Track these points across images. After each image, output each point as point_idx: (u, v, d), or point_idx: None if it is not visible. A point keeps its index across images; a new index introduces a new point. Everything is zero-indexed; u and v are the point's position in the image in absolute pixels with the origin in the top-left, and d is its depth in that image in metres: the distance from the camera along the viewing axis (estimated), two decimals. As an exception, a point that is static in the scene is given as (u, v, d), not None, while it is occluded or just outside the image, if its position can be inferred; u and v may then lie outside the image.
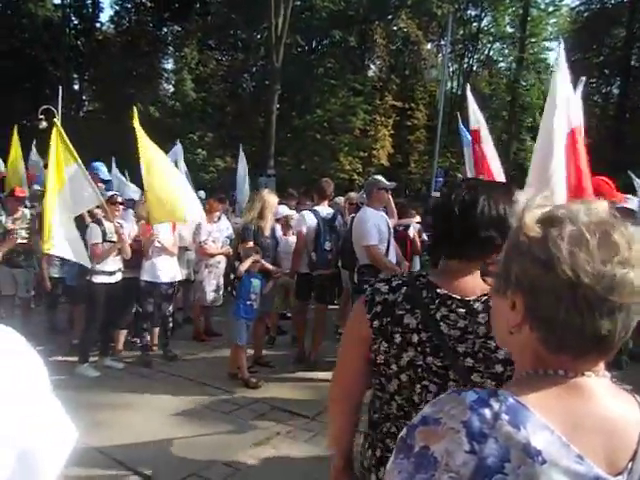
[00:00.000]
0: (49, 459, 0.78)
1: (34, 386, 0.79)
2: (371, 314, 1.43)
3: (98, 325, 5.36)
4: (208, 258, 6.57)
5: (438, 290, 1.41)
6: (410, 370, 1.38)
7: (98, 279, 5.26)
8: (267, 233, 5.48)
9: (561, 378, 0.83)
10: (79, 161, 5.26)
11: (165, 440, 3.96)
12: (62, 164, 5.20)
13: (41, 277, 6.16)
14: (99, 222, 5.44)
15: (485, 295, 1.39)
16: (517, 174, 34.46)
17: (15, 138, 9.01)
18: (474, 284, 1.41)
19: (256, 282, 5.23)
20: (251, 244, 5.28)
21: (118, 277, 5.44)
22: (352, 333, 1.54)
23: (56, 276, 6.34)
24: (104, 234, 5.33)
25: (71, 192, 5.19)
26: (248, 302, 5.17)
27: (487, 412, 0.78)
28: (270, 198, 5.46)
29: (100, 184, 6.43)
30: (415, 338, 1.37)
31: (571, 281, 0.78)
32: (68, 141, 5.25)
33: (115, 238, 5.38)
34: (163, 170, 5.66)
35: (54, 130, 5.27)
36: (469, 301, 1.39)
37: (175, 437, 4.02)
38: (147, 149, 5.60)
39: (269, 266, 5.46)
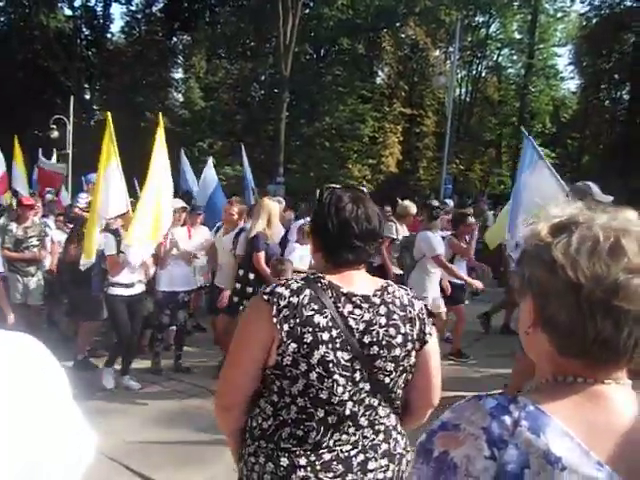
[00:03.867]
0: (70, 468, 0.78)
1: (56, 394, 0.79)
2: (279, 318, 1.46)
3: (125, 339, 5.14)
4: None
5: (342, 289, 1.53)
6: (320, 367, 1.45)
7: (115, 291, 5.11)
8: (276, 241, 5.47)
9: (580, 385, 0.83)
10: (117, 160, 5.22)
11: (176, 446, 3.96)
12: (105, 163, 5.19)
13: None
14: (115, 232, 5.21)
15: (379, 290, 1.57)
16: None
17: (16, 149, 9.17)
18: (366, 281, 1.60)
19: None
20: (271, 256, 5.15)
21: (137, 289, 5.23)
22: (250, 336, 1.52)
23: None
24: (119, 245, 5.12)
25: (105, 193, 5.12)
26: None
27: (507, 419, 0.79)
28: (274, 205, 5.43)
29: None
30: (326, 336, 1.46)
31: (572, 283, 0.79)
32: (113, 138, 5.25)
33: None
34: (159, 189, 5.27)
35: (107, 125, 5.30)
36: (369, 296, 1.55)
37: (185, 442, 4.03)
38: (159, 160, 5.41)
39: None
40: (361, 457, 1.53)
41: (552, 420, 0.78)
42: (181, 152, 10.12)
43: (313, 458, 1.49)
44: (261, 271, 5.12)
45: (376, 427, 1.56)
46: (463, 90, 34.29)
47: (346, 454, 1.52)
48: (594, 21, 29.74)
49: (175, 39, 31.89)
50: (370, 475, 1.53)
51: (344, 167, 27.23)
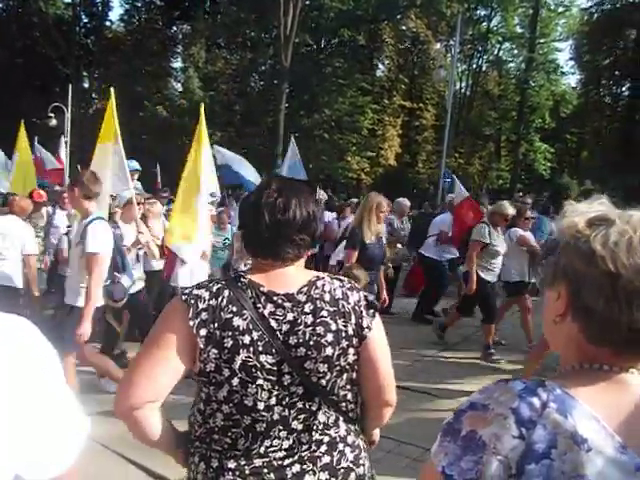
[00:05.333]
0: (62, 452, 0.78)
1: (48, 376, 0.79)
2: (196, 322, 1.37)
3: (115, 337, 4.93)
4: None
5: (262, 288, 1.42)
6: (243, 372, 1.36)
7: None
8: (373, 240, 4.80)
9: (605, 373, 0.87)
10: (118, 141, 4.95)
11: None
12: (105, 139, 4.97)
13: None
14: (114, 225, 4.77)
15: (306, 286, 1.44)
16: (526, 175, 34.51)
17: (22, 135, 8.81)
18: (294, 278, 1.46)
19: None
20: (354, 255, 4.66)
21: (138, 286, 5.00)
22: (163, 337, 1.39)
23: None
24: (120, 239, 4.65)
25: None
26: None
27: (535, 400, 0.82)
28: (378, 199, 4.86)
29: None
30: (247, 339, 1.36)
31: (611, 273, 0.84)
32: (115, 117, 5.01)
33: (130, 244, 4.90)
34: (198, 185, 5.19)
35: (110, 102, 5.05)
36: (293, 294, 1.42)
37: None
38: (202, 153, 5.16)
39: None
40: (297, 468, 1.41)
41: (579, 403, 0.82)
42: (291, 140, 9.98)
43: (243, 462, 1.40)
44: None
45: (316, 436, 1.43)
46: (463, 84, 34.23)
47: (279, 462, 1.41)
48: (595, 16, 29.67)
49: (175, 28, 31.71)
50: None
51: (343, 159, 27.19)
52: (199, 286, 1.44)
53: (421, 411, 4.42)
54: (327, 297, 1.44)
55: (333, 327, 1.41)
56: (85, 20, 30.98)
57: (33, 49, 27.52)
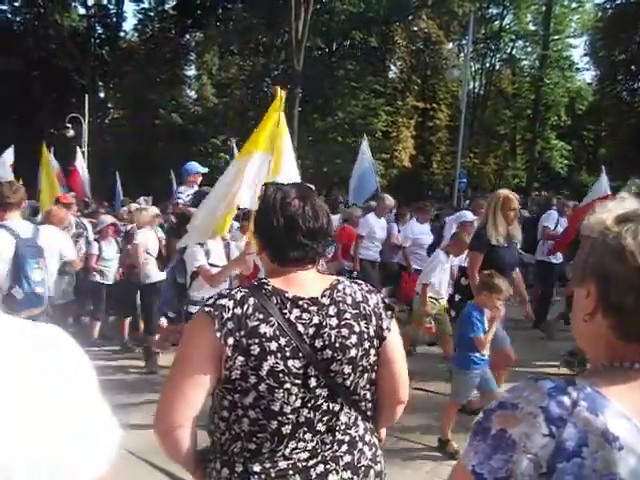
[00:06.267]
0: (86, 456, 0.78)
1: (83, 386, 0.80)
2: (223, 332, 1.38)
3: None
4: None
5: (287, 294, 1.45)
6: (270, 378, 1.38)
7: (196, 310, 4.32)
8: (501, 242, 4.18)
9: (636, 371, 0.86)
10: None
11: (201, 441, 3.98)
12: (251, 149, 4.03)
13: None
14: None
15: (328, 289, 1.49)
16: (542, 173, 34.14)
17: (45, 152, 9.08)
18: (315, 282, 1.51)
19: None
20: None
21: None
22: (194, 353, 1.42)
23: (101, 282, 6.40)
24: (207, 255, 4.28)
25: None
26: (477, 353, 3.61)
27: (565, 399, 0.82)
28: (504, 194, 4.28)
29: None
30: (274, 345, 1.39)
31: None
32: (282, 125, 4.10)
33: (218, 260, 4.32)
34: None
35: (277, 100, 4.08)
36: (317, 298, 1.46)
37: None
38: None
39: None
40: (320, 468, 1.45)
41: (610, 402, 0.82)
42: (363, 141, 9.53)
43: (268, 465, 1.42)
44: (471, 278, 4.11)
45: (338, 436, 1.48)
46: (477, 83, 34.01)
47: (304, 463, 1.44)
48: (610, 11, 29.29)
49: (187, 36, 31.95)
50: None
51: (357, 162, 27.15)
52: (222, 295, 1.46)
53: (417, 409, 4.43)
54: (349, 300, 1.49)
55: (356, 329, 1.47)
56: (100, 31, 31.38)
57: (49, 61, 27.93)
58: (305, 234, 1.48)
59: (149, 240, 5.90)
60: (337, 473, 1.45)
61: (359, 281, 1.61)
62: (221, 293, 1.47)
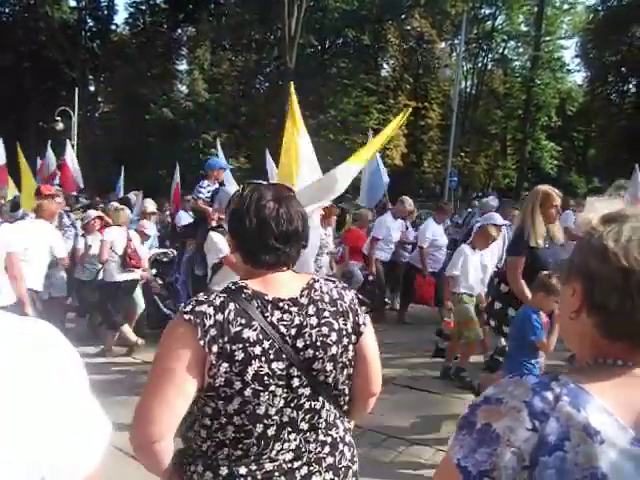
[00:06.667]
0: (85, 456, 0.79)
1: (81, 386, 0.80)
2: (206, 340, 1.35)
3: None
4: None
5: (266, 297, 1.44)
6: (255, 382, 1.37)
7: None
8: (540, 243, 3.81)
9: (619, 368, 0.88)
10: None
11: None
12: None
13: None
14: (223, 230, 4.28)
15: (306, 289, 1.49)
16: (533, 173, 34.36)
17: (21, 156, 9.04)
18: (291, 282, 1.51)
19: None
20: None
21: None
22: (174, 363, 1.36)
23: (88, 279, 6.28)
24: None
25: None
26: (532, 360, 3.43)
27: (549, 394, 0.84)
28: (543, 189, 3.91)
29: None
30: (258, 349, 1.37)
31: (624, 269, 0.85)
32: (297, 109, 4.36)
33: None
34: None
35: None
36: (296, 298, 1.46)
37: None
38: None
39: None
40: (305, 470, 1.46)
41: (592, 397, 0.83)
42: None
43: (254, 467, 1.41)
44: (513, 284, 3.81)
45: (321, 436, 1.49)
46: (468, 83, 34.16)
47: (289, 465, 1.44)
48: (601, 13, 29.51)
49: (179, 31, 31.81)
50: None
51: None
52: (200, 302, 1.41)
53: (411, 406, 4.46)
54: (327, 298, 1.50)
55: (336, 326, 1.48)
56: (90, 24, 31.21)
57: (39, 53, 27.69)
58: (278, 238, 1.46)
59: (118, 239, 5.85)
60: (320, 474, 1.47)
61: (333, 279, 1.62)
62: (198, 299, 1.43)
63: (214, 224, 4.85)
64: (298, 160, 4.08)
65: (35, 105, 26.10)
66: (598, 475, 0.79)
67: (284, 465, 1.44)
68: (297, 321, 1.44)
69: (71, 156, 11.53)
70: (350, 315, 1.52)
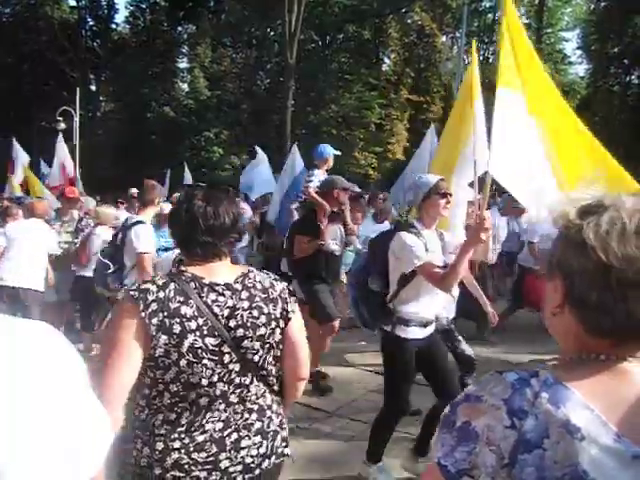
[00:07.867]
0: (91, 455, 0.79)
1: (82, 386, 0.81)
2: (147, 313, 1.53)
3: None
4: None
5: (204, 280, 1.63)
6: (190, 354, 1.54)
7: (408, 331, 3.21)
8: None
9: (602, 362, 0.86)
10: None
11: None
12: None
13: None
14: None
15: (240, 277, 1.69)
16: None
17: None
18: (227, 270, 1.70)
19: None
20: None
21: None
22: (123, 336, 1.53)
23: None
24: (426, 248, 3.01)
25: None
26: None
27: (528, 391, 0.82)
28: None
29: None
30: (193, 324, 1.56)
31: (603, 264, 0.82)
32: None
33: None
34: None
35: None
36: (230, 284, 1.66)
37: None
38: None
39: None
40: (234, 436, 1.62)
41: (572, 393, 0.82)
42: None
43: (187, 440, 1.57)
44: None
45: (248, 405, 1.66)
46: (470, 76, 33.96)
47: (219, 434, 1.60)
48: (602, 4, 29.33)
49: (180, 28, 31.75)
50: (243, 452, 1.63)
51: (350, 155, 27.12)
52: (145, 281, 1.63)
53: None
54: (259, 286, 1.70)
55: (265, 310, 1.67)
56: (91, 23, 31.12)
57: (40, 54, 27.66)
58: (204, 232, 1.64)
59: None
60: (249, 439, 1.65)
61: (267, 271, 1.82)
62: (144, 280, 1.66)
63: (325, 222, 4.53)
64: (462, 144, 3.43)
65: (38, 105, 26.12)
66: (579, 472, 0.77)
67: (214, 434, 1.60)
68: (230, 303, 1.62)
69: (67, 158, 11.41)
70: (279, 302, 1.71)
